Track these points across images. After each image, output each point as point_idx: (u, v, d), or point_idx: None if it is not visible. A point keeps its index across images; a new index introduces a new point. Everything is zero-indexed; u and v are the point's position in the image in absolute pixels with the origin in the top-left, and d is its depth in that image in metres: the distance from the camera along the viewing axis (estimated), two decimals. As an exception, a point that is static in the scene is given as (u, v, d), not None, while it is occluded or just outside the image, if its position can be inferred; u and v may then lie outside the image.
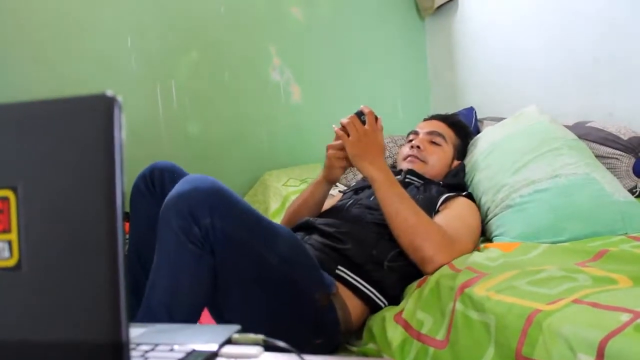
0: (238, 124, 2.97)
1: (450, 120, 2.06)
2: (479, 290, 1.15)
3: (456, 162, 1.98)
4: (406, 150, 1.96)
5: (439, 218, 1.60)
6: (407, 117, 3.29)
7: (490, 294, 1.12)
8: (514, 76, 2.67)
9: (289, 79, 3.07)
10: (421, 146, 1.92)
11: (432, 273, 1.38)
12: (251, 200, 2.86)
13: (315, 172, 2.68)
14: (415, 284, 1.42)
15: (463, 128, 2.08)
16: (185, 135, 2.86)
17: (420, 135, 1.97)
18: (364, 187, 1.89)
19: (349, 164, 1.68)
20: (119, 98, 0.50)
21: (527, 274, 1.19)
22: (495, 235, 1.64)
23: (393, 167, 2.26)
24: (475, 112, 2.75)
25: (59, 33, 2.62)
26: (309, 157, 3.01)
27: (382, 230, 1.55)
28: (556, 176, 1.61)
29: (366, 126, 1.60)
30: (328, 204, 1.88)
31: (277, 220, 2.56)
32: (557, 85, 2.38)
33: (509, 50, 2.69)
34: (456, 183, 1.88)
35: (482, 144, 1.96)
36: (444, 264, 1.39)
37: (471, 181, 1.89)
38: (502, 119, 2.50)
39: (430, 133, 1.96)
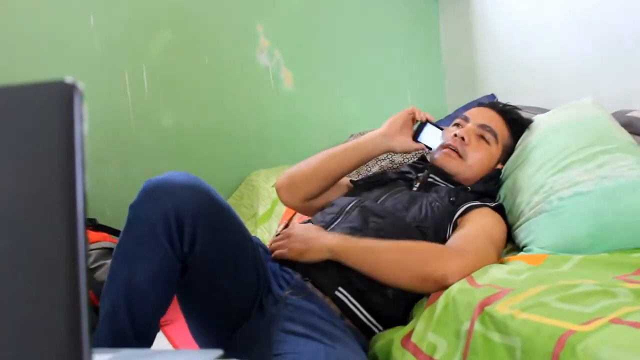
0: (220, 115, 2.97)
1: (511, 117, 1.96)
2: (501, 308, 1.13)
3: (499, 167, 1.92)
4: (447, 137, 1.92)
5: (455, 236, 1.59)
6: (418, 105, 3.27)
7: (514, 312, 1.10)
8: (542, 58, 2.67)
9: (279, 62, 3.08)
10: (467, 138, 1.84)
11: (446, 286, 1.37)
12: (236, 203, 2.86)
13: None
14: (425, 300, 1.42)
15: (522, 128, 1.97)
16: (158, 128, 2.86)
17: (469, 125, 1.89)
18: (381, 180, 1.87)
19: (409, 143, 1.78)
20: (80, 85, 0.50)
21: (558, 289, 1.18)
22: (524, 245, 1.64)
23: (390, 170, 2.25)
24: (497, 100, 2.74)
25: (8, 9, 2.61)
26: (304, 154, 2.98)
27: None
28: (604, 178, 1.60)
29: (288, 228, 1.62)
30: (332, 195, 1.88)
31: (268, 223, 2.56)
32: (592, 69, 2.38)
33: (536, 28, 2.69)
34: (484, 190, 1.85)
35: (528, 136, 1.94)
36: (465, 274, 1.37)
37: (507, 178, 1.89)
38: (528, 108, 2.51)
39: (483, 126, 1.88)
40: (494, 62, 3.01)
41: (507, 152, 1.91)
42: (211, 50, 2.95)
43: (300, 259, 1.50)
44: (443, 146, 1.85)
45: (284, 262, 1.52)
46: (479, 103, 2.09)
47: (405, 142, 1.82)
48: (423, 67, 3.40)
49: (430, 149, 1.83)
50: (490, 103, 2.02)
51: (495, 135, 1.86)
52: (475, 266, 1.40)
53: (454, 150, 1.83)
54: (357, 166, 1.86)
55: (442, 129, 1.84)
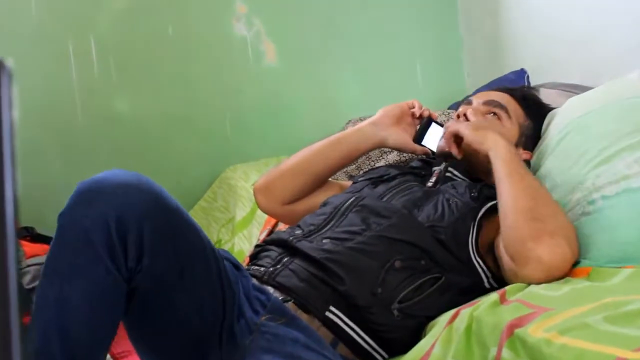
0: (187, 97, 2.98)
1: (520, 94, 2.03)
2: (535, 331, 1.13)
3: (521, 152, 1.95)
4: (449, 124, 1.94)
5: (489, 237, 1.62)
6: (430, 85, 3.29)
7: (551, 335, 1.10)
8: (583, 27, 2.68)
9: (259, 32, 3.07)
10: (472, 117, 1.88)
11: (539, 263, 1.41)
12: (209, 206, 2.86)
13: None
14: (443, 319, 1.42)
15: (538, 105, 2.04)
16: (110, 115, 2.86)
17: (474, 105, 1.95)
18: (383, 176, 1.88)
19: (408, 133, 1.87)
20: (9, 62, 0.49)
21: (605, 307, 1.18)
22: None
23: (398, 165, 2.26)
24: (528, 77, 2.74)
25: None
26: (291, 145, 2.99)
27: (393, 250, 1.54)
28: (658, 170, 1.60)
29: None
30: (325, 195, 1.90)
31: (248, 229, 2.56)
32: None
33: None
34: None
35: (559, 122, 1.95)
36: (560, 259, 1.43)
37: (537, 172, 1.89)
38: (566, 85, 2.51)
39: (488, 103, 1.93)
40: (524, 31, 3.01)
41: (528, 135, 1.96)
42: (176, 18, 2.95)
43: (475, 135, 1.68)
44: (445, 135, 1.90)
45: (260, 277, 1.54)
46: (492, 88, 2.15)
47: (401, 136, 1.88)
48: (435, 35, 3.39)
49: (434, 153, 1.86)
50: (495, 87, 2.10)
51: (505, 110, 1.91)
52: (570, 265, 1.47)
53: None
54: (344, 163, 1.92)
55: (442, 125, 1.90)
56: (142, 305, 1.30)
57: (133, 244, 1.21)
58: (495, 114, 1.90)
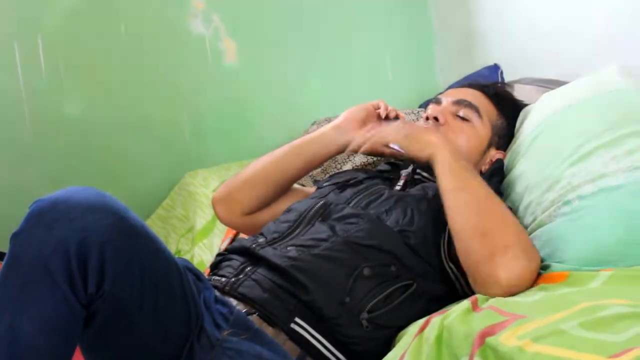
0: (142, 100, 2.96)
1: (493, 90, 2.04)
2: (507, 339, 1.12)
3: (494, 152, 1.96)
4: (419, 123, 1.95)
5: None
6: (401, 82, 3.30)
7: (524, 343, 1.09)
8: (560, 21, 2.68)
9: (218, 30, 3.07)
10: (441, 119, 1.88)
11: (497, 282, 1.40)
12: (167, 215, 2.84)
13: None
14: (413, 328, 1.41)
15: (511, 103, 2.06)
16: (60, 119, 2.84)
17: (443, 104, 1.95)
18: (350, 180, 1.88)
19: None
20: None
21: (580, 312, 1.17)
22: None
23: (365, 168, 2.25)
24: (502, 72, 2.76)
25: None
26: (254, 148, 2.99)
27: (361, 257, 1.53)
28: (636, 168, 1.60)
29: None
30: (288, 202, 1.89)
31: (208, 238, 2.55)
32: (623, 31, 2.39)
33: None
34: None
35: (533, 119, 1.95)
36: (519, 275, 1.41)
37: (509, 172, 1.89)
38: (543, 80, 2.51)
39: (458, 103, 1.93)
40: (497, 25, 3.02)
41: (501, 135, 1.97)
42: (129, 16, 2.93)
43: (402, 142, 1.69)
44: None
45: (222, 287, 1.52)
46: (452, 85, 2.14)
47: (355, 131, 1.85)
48: (406, 29, 3.41)
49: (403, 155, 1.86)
50: (467, 83, 2.08)
51: (476, 110, 1.91)
52: (533, 277, 1.45)
53: None
54: (306, 169, 1.96)
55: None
56: (101, 329, 1.28)
57: (94, 270, 1.19)
58: (464, 117, 1.91)
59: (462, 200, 1.54)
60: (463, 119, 1.91)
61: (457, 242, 1.51)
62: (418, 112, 2.56)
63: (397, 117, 1.89)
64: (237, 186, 1.93)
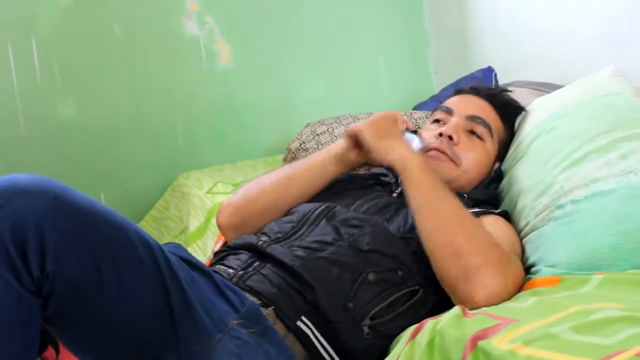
0: (136, 101, 2.95)
1: (500, 100, 2.01)
2: (499, 343, 1.13)
3: (497, 166, 1.96)
4: (429, 136, 1.90)
5: None
6: (395, 84, 3.30)
7: (516, 347, 1.10)
8: (555, 24, 2.69)
9: (212, 31, 3.06)
10: (455, 137, 1.86)
11: (474, 302, 1.39)
12: (161, 216, 2.84)
13: (259, 171, 2.66)
14: (406, 334, 1.41)
15: (514, 113, 2.03)
16: (54, 121, 2.83)
17: (455, 119, 1.91)
18: (351, 186, 1.88)
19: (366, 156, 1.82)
20: None
21: (571, 316, 1.18)
22: (531, 265, 1.64)
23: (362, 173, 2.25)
24: (496, 75, 2.76)
25: None
26: (247, 149, 3.00)
27: (366, 262, 1.53)
28: (629, 172, 1.60)
29: None
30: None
31: (202, 239, 2.54)
32: (619, 34, 2.40)
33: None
34: (486, 198, 1.86)
35: (527, 124, 1.95)
36: (496, 292, 1.40)
37: (506, 177, 1.89)
38: (537, 83, 2.52)
39: (472, 118, 1.91)
40: (491, 28, 3.03)
41: (503, 147, 1.94)
42: (123, 17, 2.92)
43: (367, 139, 1.70)
44: (426, 150, 1.86)
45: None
46: (457, 90, 2.11)
47: (353, 158, 1.86)
48: (400, 32, 3.40)
49: None
50: (472, 88, 2.06)
51: (489, 129, 1.89)
52: (511, 288, 1.45)
53: (442, 152, 1.84)
54: (327, 185, 1.89)
55: (415, 132, 1.88)
56: (63, 315, 1.23)
57: (33, 251, 1.15)
58: (477, 134, 1.89)
59: (432, 219, 1.53)
60: (477, 136, 1.89)
61: (430, 261, 1.50)
62: (411, 114, 2.56)
63: (405, 128, 1.87)
64: (256, 212, 1.86)
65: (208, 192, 2.66)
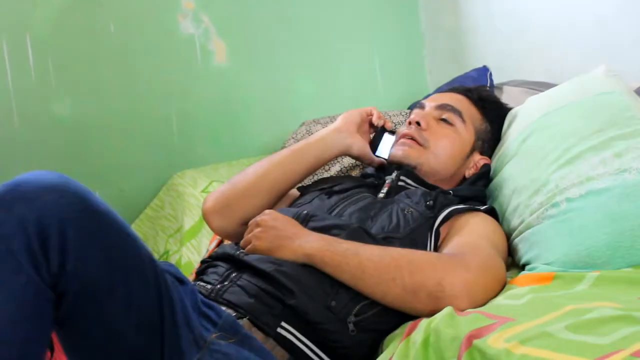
0: (131, 99, 2.94)
1: (477, 95, 2.05)
2: (495, 342, 1.14)
3: (478, 157, 1.97)
4: (401, 130, 1.96)
5: (449, 246, 1.60)
6: (390, 83, 3.30)
7: (511, 345, 1.11)
8: (549, 23, 2.69)
9: (208, 30, 3.05)
10: (423, 123, 1.90)
11: (462, 308, 1.38)
12: (155, 215, 2.83)
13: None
14: (400, 332, 1.42)
15: (495, 106, 2.07)
16: (49, 119, 2.82)
17: (426, 109, 1.97)
18: (334, 187, 1.88)
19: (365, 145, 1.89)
20: None
21: (567, 315, 1.19)
22: (526, 262, 1.64)
23: (350, 175, 2.24)
24: (491, 74, 2.75)
25: None
26: (242, 148, 3.00)
27: None
28: (624, 170, 1.61)
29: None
30: (283, 204, 1.92)
31: (197, 238, 2.54)
32: (613, 36, 2.41)
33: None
34: (472, 195, 1.87)
35: (520, 123, 1.95)
36: (470, 289, 1.40)
37: (496, 175, 1.89)
38: (531, 82, 2.52)
39: (441, 107, 1.95)
40: (486, 27, 3.03)
41: (485, 140, 1.96)
42: (118, 15, 2.91)
43: (270, 255, 1.56)
44: (397, 140, 1.93)
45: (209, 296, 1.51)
46: (437, 89, 2.15)
47: (364, 146, 1.92)
48: (395, 32, 3.40)
49: (388, 163, 1.90)
50: (451, 88, 2.09)
51: (459, 114, 1.92)
52: (484, 282, 1.45)
53: (412, 139, 1.87)
54: (308, 173, 1.94)
55: (393, 132, 1.96)
56: (73, 314, 1.25)
57: (55, 248, 1.17)
58: (447, 120, 1.92)
59: (372, 283, 1.47)
60: (446, 122, 1.92)
61: (404, 312, 1.47)
62: (407, 113, 2.56)
63: (383, 127, 1.93)
64: (237, 195, 1.91)
65: (203, 191, 2.66)
